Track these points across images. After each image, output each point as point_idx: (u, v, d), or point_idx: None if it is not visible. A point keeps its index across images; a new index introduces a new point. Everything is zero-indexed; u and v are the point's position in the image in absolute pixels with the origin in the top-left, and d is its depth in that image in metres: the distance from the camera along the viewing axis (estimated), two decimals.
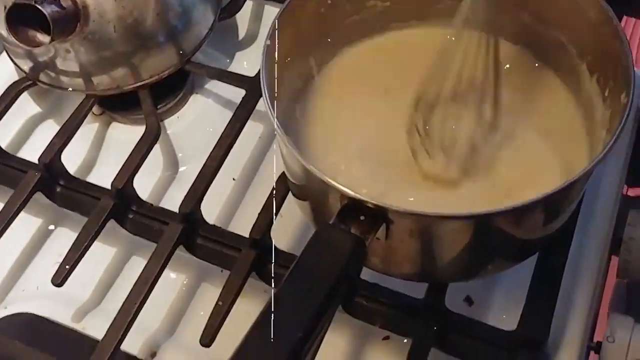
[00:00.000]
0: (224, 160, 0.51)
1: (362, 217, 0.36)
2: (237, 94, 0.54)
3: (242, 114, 0.52)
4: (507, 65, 0.48)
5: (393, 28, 0.50)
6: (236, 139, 0.51)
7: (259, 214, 0.47)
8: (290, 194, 0.46)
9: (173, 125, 0.58)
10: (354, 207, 0.36)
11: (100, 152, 0.57)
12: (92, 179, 0.53)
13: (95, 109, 0.56)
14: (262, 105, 0.50)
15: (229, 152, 0.51)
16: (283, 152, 0.43)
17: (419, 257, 0.41)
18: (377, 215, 0.36)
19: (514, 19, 0.47)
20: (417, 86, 0.44)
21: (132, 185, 0.50)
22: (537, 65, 0.48)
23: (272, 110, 0.39)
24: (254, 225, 0.46)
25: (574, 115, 0.46)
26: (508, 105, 0.46)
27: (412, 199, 0.43)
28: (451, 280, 0.44)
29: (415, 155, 0.44)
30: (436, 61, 0.44)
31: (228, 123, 0.52)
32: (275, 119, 0.39)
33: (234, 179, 0.55)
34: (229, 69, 0.60)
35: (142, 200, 0.50)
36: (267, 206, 0.47)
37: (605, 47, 0.41)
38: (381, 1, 0.49)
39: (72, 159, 0.54)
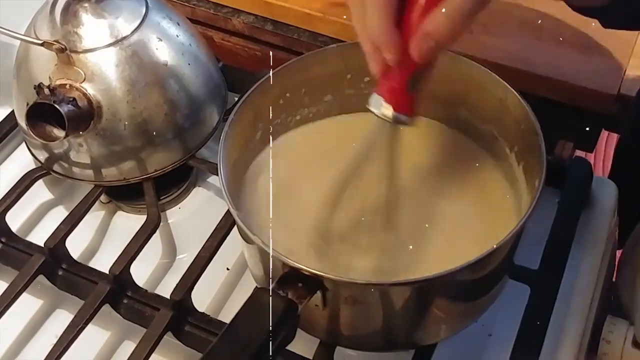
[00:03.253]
0: (217, 250, 0.54)
1: (299, 284, 0.39)
2: None
3: None
4: (445, 147, 0.53)
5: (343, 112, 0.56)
6: (230, 230, 0.55)
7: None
8: None
9: (175, 215, 0.62)
10: (292, 275, 0.39)
11: (104, 239, 0.61)
12: (94, 263, 0.56)
13: (102, 197, 0.60)
14: None
15: (222, 242, 0.54)
16: (238, 226, 0.46)
17: (358, 325, 0.44)
18: (314, 283, 0.39)
19: (454, 111, 0.53)
20: (360, 166, 0.47)
21: (129, 272, 0.53)
22: (472, 146, 0.53)
23: (224, 180, 0.44)
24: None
25: (505, 195, 0.50)
26: (445, 184, 0.50)
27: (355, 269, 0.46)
28: (394, 349, 0.47)
29: (358, 229, 0.47)
30: (381, 142, 0.48)
31: (224, 215, 0.55)
32: (226, 191, 0.43)
33: (227, 269, 0.58)
34: None
35: (138, 286, 0.53)
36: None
37: (528, 141, 0.46)
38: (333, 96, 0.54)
39: (77, 244, 0.57)
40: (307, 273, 0.39)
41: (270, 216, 0.47)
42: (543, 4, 0.68)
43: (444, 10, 0.36)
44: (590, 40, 0.65)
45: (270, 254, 0.39)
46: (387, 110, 0.41)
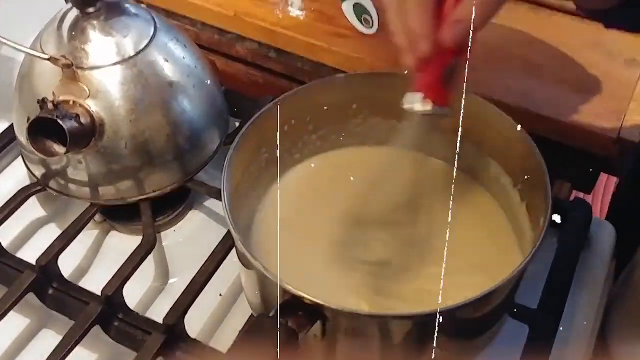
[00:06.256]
0: (213, 275, 0.53)
1: (300, 313, 0.38)
2: None
3: None
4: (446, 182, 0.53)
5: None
6: (227, 256, 0.54)
7: (239, 333, 0.48)
8: None
9: (169, 237, 0.61)
10: (293, 303, 0.39)
11: (96, 259, 0.59)
12: (85, 283, 0.55)
13: (97, 216, 0.59)
14: None
15: (218, 267, 0.53)
16: (238, 252, 0.45)
17: (355, 358, 0.43)
18: (315, 312, 0.39)
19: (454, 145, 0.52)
20: (363, 200, 0.48)
21: (122, 294, 0.52)
22: (470, 182, 0.53)
23: (227, 203, 0.43)
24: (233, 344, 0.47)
25: (507, 231, 0.50)
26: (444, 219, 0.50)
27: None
28: None
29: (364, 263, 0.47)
30: (387, 177, 0.48)
31: (221, 240, 0.54)
32: (229, 214, 0.42)
33: (220, 295, 0.57)
34: None
35: (129, 308, 0.52)
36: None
37: (533, 178, 0.46)
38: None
39: (68, 263, 0.56)
40: (308, 302, 0.38)
41: (277, 242, 0.47)
42: (542, 46, 0.69)
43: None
44: (591, 82, 0.66)
45: (278, 282, 0.38)
46: (427, 105, 0.42)
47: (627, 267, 0.61)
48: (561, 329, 0.49)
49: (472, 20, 0.39)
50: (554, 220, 0.53)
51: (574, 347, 0.50)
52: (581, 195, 0.69)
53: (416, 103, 0.42)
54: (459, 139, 0.45)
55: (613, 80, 0.65)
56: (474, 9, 0.39)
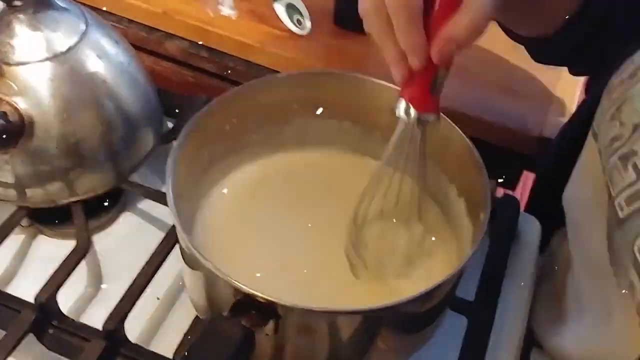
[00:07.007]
0: (152, 278, 0.51)
1: (253, 311, 0.38)
2: (169, 216, 0.56)
3: (174, 235, 0.53)
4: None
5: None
6: (166, 258, 0.53)
7: (185, 335, 0.47)
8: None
9: (101, 241, 0.59)
10: (246, 302, 0.39)
11: (23, 264, 0.56)
12: (14, 291, 0.52)
13: (24, 220, 0.56)
14: None
15: (157, 270, 0.52)
16: (185, 253, 0.45)
17: (306, 355, 0.43)
18: (268, 310, 0.39)
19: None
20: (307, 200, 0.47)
21: (56, 300, 0.49)
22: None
23: (173, 203, 0.42)
24: (178, 346, 0.47)
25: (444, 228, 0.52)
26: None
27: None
28: None
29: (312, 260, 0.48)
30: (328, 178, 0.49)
31: (161, 242, 0.53)
32: (176, 215, 0.42)
33: (158, 298, 0.55)
34: (163, 190, 0.62)
35: (65, 315, 0.50)
36: (192, 328, 0.48)
37: (470, 177, 0.48)
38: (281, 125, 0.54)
39: None
40: (261, 300, 0.38)
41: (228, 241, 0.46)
42: (468, 50, 0.72)
43: (463, 15, 0.39)
44: (515, 84, 0.69)
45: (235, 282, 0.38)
46: (416, 113, 0.44)
47: (544, 254, 0.64)
48: (496, 319, 0.51)
49: (464, 39, 0.39)
50: None
51: (508, 335, 0.53)
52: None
53: (405, 111, 0.44)
54: (394, 139, 0.46)
55: (535, 82, 0.69)
56: (466, 26, 0.39)
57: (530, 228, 0.61)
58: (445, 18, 0.40)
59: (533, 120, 0.66)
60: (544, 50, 0.52)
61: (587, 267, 0.49)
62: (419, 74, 0.43)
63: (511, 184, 0.71)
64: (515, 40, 0.53)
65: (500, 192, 0.68)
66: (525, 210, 0.63)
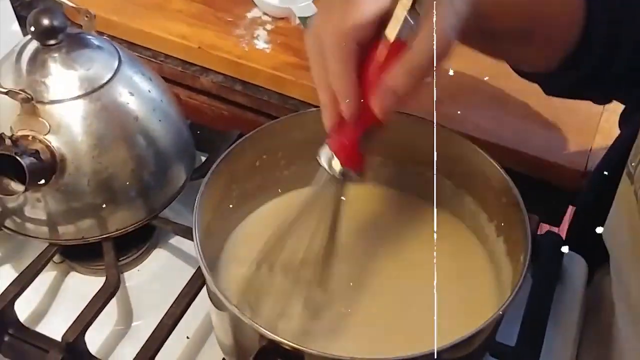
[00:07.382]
0: (181, 317, 0.50)
1: (279, 359, 0.37)
2: None
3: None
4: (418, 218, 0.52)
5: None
6: (196, 296, 0.52)
7: None
8: None
9: (133, 278, 0.58)
10: (272, 348, 0.37)
11: (55, 302, 0.56)
12: (43, 328, 0.52)
13: (56, 257, 0.56)
14: None
15: (187, 309, 0.51)
16: (211, 293, 0.43)
17: None
18: (295, 357, 0.37)
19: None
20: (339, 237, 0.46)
21: (84, 340, 0.49)
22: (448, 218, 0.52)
23: (198, 243, 0.41)
24: None
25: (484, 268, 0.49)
26: (419, 255, 0.49)
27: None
28: None
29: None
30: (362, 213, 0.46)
31: (189, 280, 0.52)
32: (201, 254, 0.41)
33: (187, 337, 0.54)
34: None
35: (92, 355, 0.49)
36: None
37: (508, 214, 0.46)
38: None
39: (26, 307, 0.53)
40: (287, 347, 0.37)
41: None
42: (508, 81, 0.70)
43: (403, 65, 0.36)
44: (556, 116, 0.67)
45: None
46: (336, 165, 0.40)
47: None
48: None
49: (403, 90, 0.36)
50: None
51: None
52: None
53: (328, 160, 0.41)
54: (434, 173, 0.44)
55: (577, 114, 0.66)
56: (404, 78, 0.36)
57: (576, 267, 0.58)
58: (387, 66, 0.37)
59: (577, 154, 0.64)
60: (550, 84, 0.49)
61: (628, 313, 0.46)
62: (349, 125, 0.39)
63: (555, 220, 0.68)
64: (522, 77, 0.50)
65: (544, 228, 0.65)
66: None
